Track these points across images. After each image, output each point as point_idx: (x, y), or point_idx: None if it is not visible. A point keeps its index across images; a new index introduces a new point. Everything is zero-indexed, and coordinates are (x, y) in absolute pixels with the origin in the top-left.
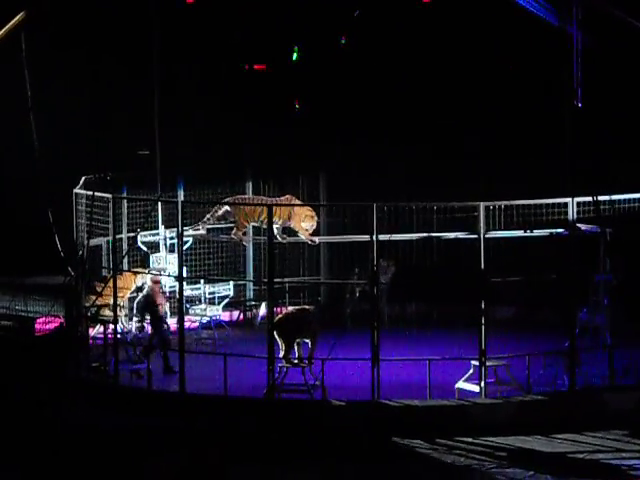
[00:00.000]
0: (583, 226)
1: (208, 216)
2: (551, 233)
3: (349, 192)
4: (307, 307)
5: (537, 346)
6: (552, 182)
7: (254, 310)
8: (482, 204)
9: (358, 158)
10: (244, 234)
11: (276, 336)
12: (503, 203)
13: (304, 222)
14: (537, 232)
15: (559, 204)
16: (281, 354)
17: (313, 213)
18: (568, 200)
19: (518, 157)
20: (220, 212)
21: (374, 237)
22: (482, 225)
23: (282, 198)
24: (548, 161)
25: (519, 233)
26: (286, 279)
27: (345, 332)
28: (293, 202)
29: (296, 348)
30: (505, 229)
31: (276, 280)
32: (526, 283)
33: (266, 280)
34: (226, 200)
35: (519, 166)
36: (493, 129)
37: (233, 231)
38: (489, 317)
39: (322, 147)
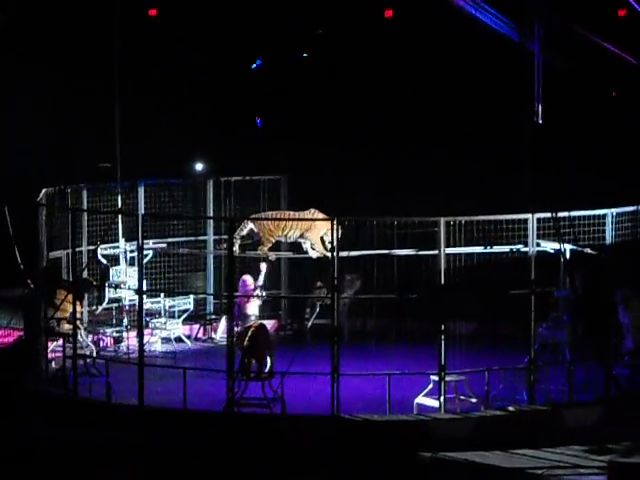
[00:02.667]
0: (543, 242)
1: (235, 236)
2: (511, 249)
3: (310, 203)
4: (262, 322)
5: (497, 361)
6: (513, 198)
7: (214, 324)
8: (442, 219)
9: (320, 169)
10: (270, 249)
11: (247, 360)
12: (463, 219)
13: (327, 235)
14: (497, 248)
15: (519, 220)
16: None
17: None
18: (528, 216)
19: (480, 173)
20: (245, 231)
21: (334, 252)
22: (442, 241)
23: (305, 212)
24: (509, 177)
25: (479, 249)
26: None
27: (305, 346)
28: (316, 216)
29: (254, 362)
30: (466, 245)
31: (236, 294)
32: (486, 299)
33: (226, 294)
34: (252, 217)
35: (480, 182)
36: (455, 144)
37: (259, 247)
38: (449, 332)
39: (285, 156)
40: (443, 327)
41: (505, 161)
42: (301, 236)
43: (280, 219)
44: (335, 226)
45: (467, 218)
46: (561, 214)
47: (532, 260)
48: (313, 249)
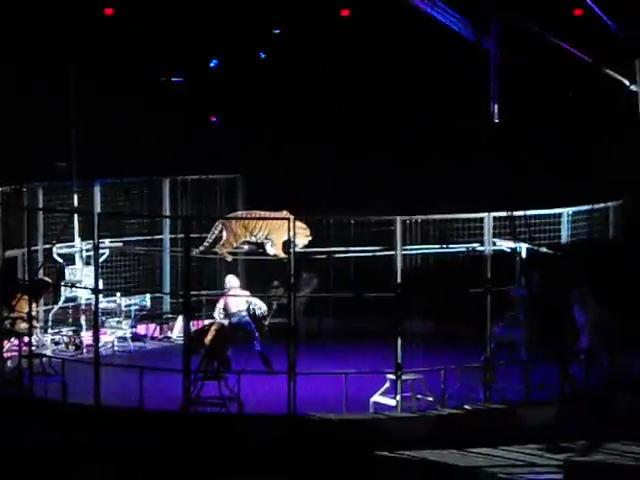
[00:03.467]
0: (499, 241)
1: (208, 239)
2: (467, 248)
3: (267, 202)
4: (222, 322)
5: (453, 360)
6: (470, 196)
7: (171, 323)
8: (399, 218)
9: (277, 168)
10: (231, 251)
11: (207, 359)
12: (420, 217)
13: (298, 238)
14: (454, 247)
15: (476, 219)
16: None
17: (307, 230)
18: (485, 215)
19: (438, 171)
20: (216, 232)
21: (291, 250)
22: (399, 239)
23: (277, 214)
24: (466, 175)
25: (436, 248)
26: (203, 292)
27: (262, 345)
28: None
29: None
30: (422, 244)
31: (193, 293)
32: (443, 297)
33: (182, 293)
34: (227, 216)
35: (437, 180)
36: (413, 142)
37: (218, 246)
38: (406, 331)
39: (241, 155)
40: (400, 326)
41: (463, 160)
42: (266, 237)
43: (250, 218)
44: (297, 225)
45: (423, 217)
46: (517, 213)
47: (488, 259)
48: (272, 248)
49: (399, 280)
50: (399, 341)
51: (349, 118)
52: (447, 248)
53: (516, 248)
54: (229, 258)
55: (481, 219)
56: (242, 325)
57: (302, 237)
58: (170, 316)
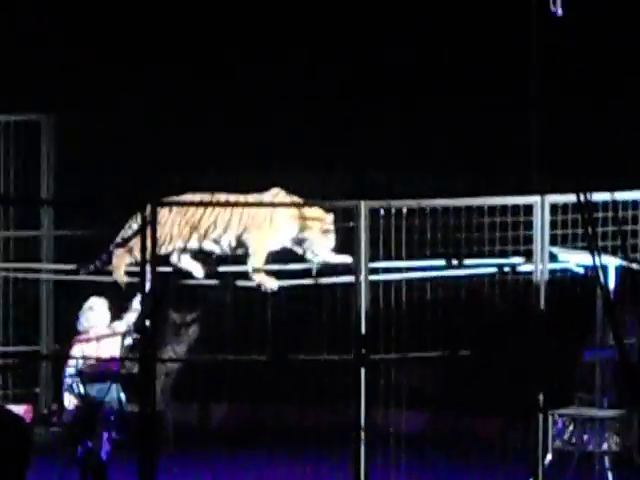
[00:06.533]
0: (562, 253)
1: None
2: (500, 267)
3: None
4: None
5: None
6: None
7: None
8: (363, 204)
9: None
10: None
11: None
12: (408, 204)
13: (320, 237)
14: (474, 266)
15: (517, 209)
16: None
17: (325, 219)
18: (534, 200)
19: (436, 116)
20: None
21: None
22: (363, 249)
23: (265, 195)
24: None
25: (441, 267)
26: None
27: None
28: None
29: None
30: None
31: None
32: (450, 362)
33: None
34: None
35: (438, 132)
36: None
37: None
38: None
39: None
40: (361, 418)
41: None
42: (238, 240)
43: (199, 204)
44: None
45: (414, 203)
46: (597, 197)
47: (542, 288)
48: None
49: (362, 330)
50: (361, 446)
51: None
52: (461, 267)
53: (596, 266)
54: (273, 286)
55: (528, 208)
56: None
57: (318, 233)
58: None
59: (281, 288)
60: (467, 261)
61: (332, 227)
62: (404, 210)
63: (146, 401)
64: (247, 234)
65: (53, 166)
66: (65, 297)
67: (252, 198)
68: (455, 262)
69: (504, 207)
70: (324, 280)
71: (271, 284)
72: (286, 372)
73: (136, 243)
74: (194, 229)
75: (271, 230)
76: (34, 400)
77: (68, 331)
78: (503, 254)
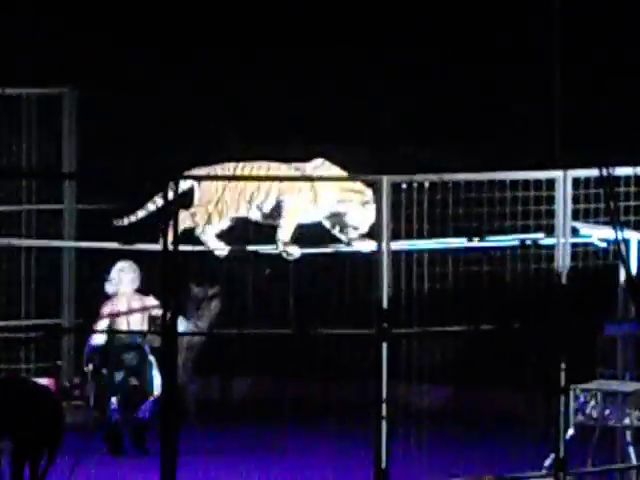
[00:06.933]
0: (584, 227)
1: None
2: (522, 241)
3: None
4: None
5: (487, 461)
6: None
7: None
8: (386, 178)
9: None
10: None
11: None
12: (430, 178)
13: (360, 209)
14: (494, 240)
15: (539, 183)
16: None
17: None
18: (557, 174)
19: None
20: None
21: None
22: (385, 223)
23: (307, 165)
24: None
25: (459, 242)
26: None
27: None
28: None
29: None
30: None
31: None
32: (472, 336)
33: None
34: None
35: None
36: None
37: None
38: (395, 401)
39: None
40: (382, 392)
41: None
42: (278, 204)
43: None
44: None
45: (436, 177)
46: (620, 171)
47: (561, 262)
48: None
49: (384, 304)
50: (383, 423)
51: None
52: (482, 241)
53: (618, 241)
54: (222, 250)
55: (550, 182)
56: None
57: (357, 206)
58: None
59: (303, 257)
60: (489, 236)
61: (372, 199)
62: (426, 184)
63: (168, 374)
64: (287, 196)
65: (75, 140)
66: (87, 269)
67: (294, 166)
68: (477, 237)
69: (526, 181)
70: (346, 251)
71: (294, 251)
72: (308, 346)
73: (198, 209)
74: (241, 196)
75: (312, 194)
76: (56, 374)
77: (91, 303)
78: (525, 229)
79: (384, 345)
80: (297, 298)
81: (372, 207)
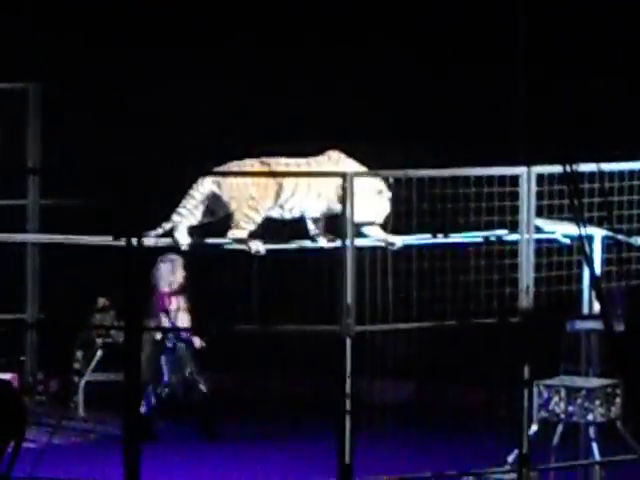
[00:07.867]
0: (547, 223)
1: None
2: (486, 238)
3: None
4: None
5: (452, 456)
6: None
7: None
8: (350, 174)
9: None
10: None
11: None
12: (395, 174)
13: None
14: (458, 236)
15: (504, 179)
16: None
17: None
18: (521, 170)
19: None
20: (205, 192)
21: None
22: (349, 221)
23: (321, 158)
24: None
25: (424, 238)
26: None
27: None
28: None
29: None
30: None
31: None
32: (434, 332)
33: None
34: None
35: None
36: None
37: (230, 232)
38: (360, 398)
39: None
40: (346, 387)
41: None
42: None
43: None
44: None
45: (399, 173)
46: (584, 167)
47: (524, 257)
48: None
49: (349, 300)
50: (347, 418)
51: None
52: (446, 237)
53: (582, 237)
54: (261, 250)
55: (514, 178)
56: None
57: (378, 199)
58: None
59: (268, 254)
60: (453, 232)
61: (385, 188)
62: (391, 180)
63: (131, 371)
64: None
65: (39, 135)
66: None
67: (312, 162)
68: (441, 232)
69: (490, 178)
70: (309, 247)
71: (257, 247)
72: (271, 342)
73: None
74: (268, 192)
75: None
76: (20, 369)
77: (53, 300)
78: (489, 225)
79: (348, 341)
80: (261, 294)
81: (388, 194)
